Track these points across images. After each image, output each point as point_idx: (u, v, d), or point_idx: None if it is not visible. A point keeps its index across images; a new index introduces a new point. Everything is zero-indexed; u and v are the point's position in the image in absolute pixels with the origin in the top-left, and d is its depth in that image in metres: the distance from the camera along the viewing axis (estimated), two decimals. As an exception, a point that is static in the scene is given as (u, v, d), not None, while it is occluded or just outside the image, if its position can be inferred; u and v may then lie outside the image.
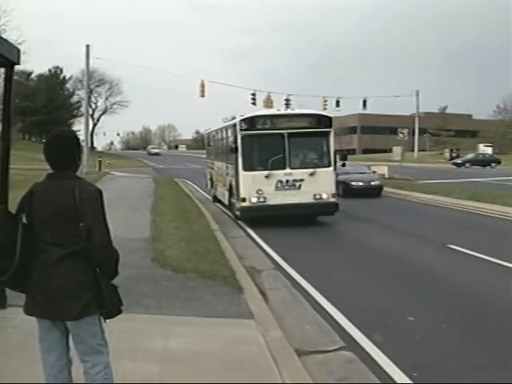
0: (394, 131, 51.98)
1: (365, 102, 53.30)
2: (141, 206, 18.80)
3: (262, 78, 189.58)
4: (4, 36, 8.45)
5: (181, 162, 69.27)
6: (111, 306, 3.75)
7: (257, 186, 15.66)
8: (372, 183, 25.13)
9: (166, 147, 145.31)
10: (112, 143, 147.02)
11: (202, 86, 43.08)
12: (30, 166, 32.03)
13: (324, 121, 16.33)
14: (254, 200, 15.69)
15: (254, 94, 45.37)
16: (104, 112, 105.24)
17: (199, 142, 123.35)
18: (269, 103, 43.34)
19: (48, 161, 3.79)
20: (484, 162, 59.01)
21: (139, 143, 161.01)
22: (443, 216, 19.21)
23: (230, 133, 17.94)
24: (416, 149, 69.78)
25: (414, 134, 65.99)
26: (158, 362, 5.34)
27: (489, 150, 68.14)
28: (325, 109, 42.26)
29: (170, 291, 7.95)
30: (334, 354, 6.13)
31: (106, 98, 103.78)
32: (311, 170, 15.87)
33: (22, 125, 76.26)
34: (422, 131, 76.49)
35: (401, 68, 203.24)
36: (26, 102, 72.99)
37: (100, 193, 3.75)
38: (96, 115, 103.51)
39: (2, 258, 3.64)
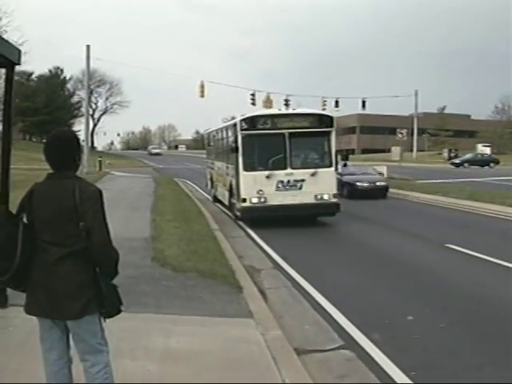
0: (392, 131, 52.14)
1: (364, 103, 53.50)
2: (141, 205, 18.81)
3: (262, 78, 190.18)
4: (5, 37, 8.48)
5: (180, 162, 69.28)
6: (111, 306, 3.76)
7: (257, 187, 15.51)
8: (377, 184, 24.65)
9: (165, 147, 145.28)
10: (112, 143, 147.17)
11: (202, 86, 43.15)
12: (30, 166, 32.05)
13: (325, 120, 16.19)
14: (255, 200, 15.55)
15: (253, 95, 45.49)
16: (104, 112, 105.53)
17: (199, 142, 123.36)
18: (268, 103, 43.42)
19: (48, 161, 3.80)
20: (482, 161, 59.16)
21: (139, 143, 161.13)
22: (442, 216, 19.24)
23: (230, 133, 17.79)
24: (415, 149, 69.92)
25: (412, 134, 66.10)
26: (158, 361, 5.36)
27: (487, 150, 68.41)
28: (324, 109, 42.21)
29: (169, 290, 7.97)
30: (333, 353, 6.15)
31: (107, 99, 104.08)
32: (312, 170, 15.72)
33: (22, 125, 76.29)
34: (421, 131, 76.65)
35: (400, 68, 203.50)
36: (27, 102, 73.13)
37: (100, 193, 3.77)
38: (96, 115, 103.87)
39: (3, 257, 3.66)
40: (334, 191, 16.10)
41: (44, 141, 4.00)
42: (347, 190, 23.67)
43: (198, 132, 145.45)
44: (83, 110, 59.32)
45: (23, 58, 6.21)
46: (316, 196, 15.67)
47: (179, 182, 33.07)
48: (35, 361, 4.28)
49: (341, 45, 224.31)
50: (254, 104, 44.53)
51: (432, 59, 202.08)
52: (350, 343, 6.40)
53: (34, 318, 3.86)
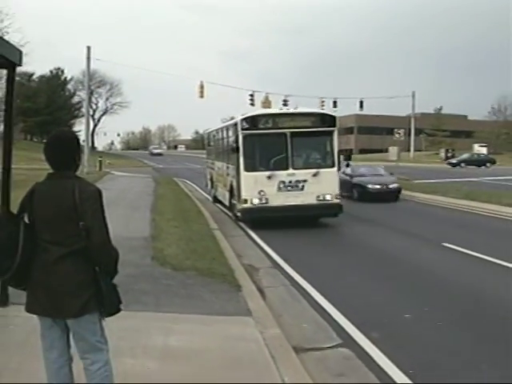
0: (390, 131, 52.23)
1: (362, 103, 53.85)
2: (140, 205, 18.84)
3: (261, 79, 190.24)
4: (6, 38, 8.53)
5: (180, 162, 69.24)
6: (110, 304, 3.78)
7: (258, 187, 15.24)
8: (390, 186, 23.25)
9: (165, 147, 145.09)
10: (112, 143, 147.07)
11: (201, 86, 43.22)
12: (31, 165, 32.06)
13: (328, 120, 15.95)
14: (256, 201, 15.27)
15: (252, 95, 45.57)
16: (104, 112, 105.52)
17: (198, 142, 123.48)
18: (267, 104, 43.44)
19: (48, 161, 3.82)
20: (479, 161, 59.43)
21: (139, 143, 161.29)
22: (440, 215, 19.27)
23: (230, 132, 17.53)
24: (412, 149, 70.11)
25: (410, 135, 66.22)
26: (158, 359, 5.39)
27: (483, 150, 68.79)
28: (322, 109, 42.24)
29: (169, 289, 8.00)
30: (331, 351, 6.19)
31: (107, 99, 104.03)
32: (314, 171, 15.47)
33: (23, 125, 76.58)
34: (418, 131, 76.76)
35: (398, 69, 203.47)
36: (28, 102, 73.40)
37: (99, 192, 3.79)
38: (97, 116, 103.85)
39: (4, 257, 3.69)
40: (337, 192, 15.83)
41: (44, 141, 4.04)
42: (357, 192, 22.86)
43: (197, 132, 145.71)
44: (84, 110, 59.23)
45: (24, 59, 6.26)
46: (318, 197, 15.41)
47: (179, 181, 33.07)
48: (36, 359, 4.30)
49: (340, 45, 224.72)
50: (252, 104, 44.60)
51: (429, 60, 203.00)
52: (349, 342, 6.43)
53: (34, 316, 3.88)
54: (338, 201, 15.77)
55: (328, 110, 43.55)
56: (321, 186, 15.41)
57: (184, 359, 5.45)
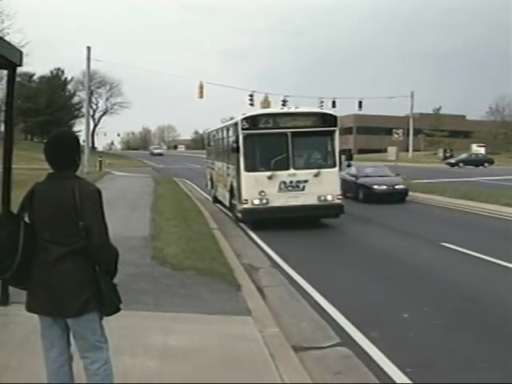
0: (388, 132, 52.15)
1: (360, 103, 54.12)
2: (140, 204, 18.87)
3: (260, 79, 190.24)
4: (7, 39, 8.55)
5: (180, 162, 69.26)
6: (110, 304, 3.79)
7: (259, 188, 15.09)
8: (397, 187, 22.67)
9: (165, 147, 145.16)
10: (112, 143, 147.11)
11: (201, 87, 43.28)
12: (31, 165, 32.08)
13: (329, 119, 15.79)
14: (257, 202, 15.10)
15: (251, 95, 45.65)
16: (105, 113, 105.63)
17: (198, 142, 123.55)
18: (266, 104, 43.51)
19: (48, 161, 3.84)
20: (477, 161, 59.72)
21: (139, 143, 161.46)
22: (438, 215, 19.29)
23: (231, 132, 17.36)
24: (411, 149, 70.31)
25: (408, 135, 66.36)
26: (158, 358, 5.41)
27: (482, 150, 69.26)
28: (321, 109, 42.29)
29: (169, 288, 8.03)
30: (330, 350, 6.22)
31: (107, 99, 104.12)
32: (315, 171, 15.31)
33: (24, 125, 76.87)
34: (417, 132, 76.93)
35: (397, 69, 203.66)
36: (28, 103, 73.74)
37: (99, 192, 3.80)
38: (97, 116, 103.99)
39: (4, 256, 3.70)
40: (338, 192, 15.68)
41: (45, 141, 4.06)
42: (363, 193, 22.39)
43: (197, 132, 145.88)
44: (84, 110, 59.24)
45: (25, 60, 6.29)
46: (319, 197, 15.25)
47: (179, 181, 33.10)
48: (36, 358, 4.31)
49: (340, 45, 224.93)
50: (252, 104, 44.67)
51: (428, 60, 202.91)
52: (347, 341, 6.46)
53: (35, 315, 3.90)
54: (339, 201, 15.58)
55: (327, 110, 43.61)
56: (322, 186, 15.26)
57: (184, 358, 5.47)
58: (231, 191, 17.16)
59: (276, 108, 22.27)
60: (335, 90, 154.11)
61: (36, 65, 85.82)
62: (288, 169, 15.23)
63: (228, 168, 17.84)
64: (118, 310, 3.87)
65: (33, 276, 3.76)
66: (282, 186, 15.15)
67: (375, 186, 22.25)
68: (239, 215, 15.83)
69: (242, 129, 15.27)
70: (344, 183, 22.92)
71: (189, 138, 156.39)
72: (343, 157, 17.44)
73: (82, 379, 3.95)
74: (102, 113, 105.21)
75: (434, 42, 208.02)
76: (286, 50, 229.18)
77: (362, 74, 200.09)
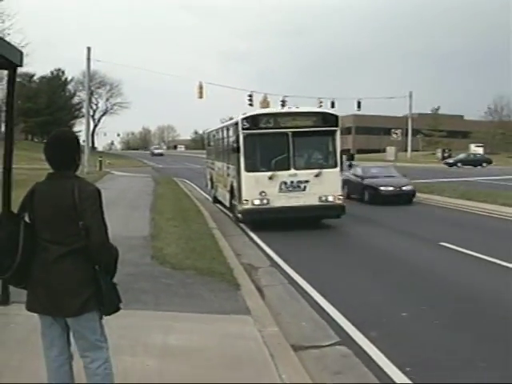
0: (387, 132, 52.31)
1: (359, 103, 54.19)
2: (140, 204, 18.90)
3: (259, 80, 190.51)
4: (7, 39, 8.57)
5: (179, 162, 69.27)
6: (110, 303, 3.81)
7: (260, 188, 14.92)
8: (404, 188, 21.99)
9: (165, 147, 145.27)
10: (112, 143, 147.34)
11: (200, 87, 43.36)
12: (32, 165, 32.11)
13: (330, 119, 15.62)
14: (257, 202, 14.92)
15: (250, 96, 45.72)
16: (105, 113, 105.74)
17: (198, 142, 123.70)
18: (265, 104, 43.53)
19: (48, 161, 3.85)
20: (475, 161, 59.98)
21: (139, 143, 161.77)
22: (436, 214, 19.27)
23: (231, 132, 17.17)
24: (409, 149, 70.50)
25: (407, 135, 66.51)
26: (158, 357, 5.43)
27: (480, 150, 69.59)
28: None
29: (168, 288, 8.05)
30: (329, 349, 6.24)
31: (107, 100, 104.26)
32: (317, 171, 15.13)
33: (24, 125, 77.16)
34: (416, 132, 77.06)
35: (396, 70, 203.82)
36: (29, 103, 74.15)
37: (98, 192, 3.82)
38: (97, 116, 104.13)
39: (5, 256, 3.72)
40: (339, 192, 15.53)
41: (45, 141, 4.08)
42: (369, 194, 21.82)
43: (196, 132, 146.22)
44: (84, 110, 59.35)
45: (25, 60, 6.31)
46: (320, 197, 15.08)
47: (178, 181, 33.11)
48: (37, 357, 4.33)
49: (339, 46, 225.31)
50: (251, 105, 44.70)
51: (426, 60, 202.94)
52: (347, 340, 6.48)
53: (35, 314, 3.92)
54: (340, 202, 15.43)
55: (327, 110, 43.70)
56: (323, 186, 15.10)
57: (183, 357, 5.49)
58: (231, 191, 17.03)
59: (275, 108, 22.07)
60: (334, 90, 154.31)
61: (36, 65, 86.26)
62: (289, 169, 15.08)
63: (228, 168, 17.68)
64: (117, 309, 3.89)
65: (33, 275, 3.78)
66: (283, 186, 15.01)
67: (382, 187, 21.67)
68: (239, 216, 15.68)
69: (243, 128, 15.12)
70: (349, 184, 22.71)
71: (188, 138, 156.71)
72: (344, 157, 17.04)
73: (82, 378, 3.96)
74: (102, 113, 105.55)
75: (433, 43, 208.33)
76: (285, 51, 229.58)
77: (362, 74, 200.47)
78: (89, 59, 39.16)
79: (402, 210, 20.55)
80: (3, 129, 6.42)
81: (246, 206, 15.06)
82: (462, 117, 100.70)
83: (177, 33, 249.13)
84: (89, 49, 39.01)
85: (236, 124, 15.88)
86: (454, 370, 5.75)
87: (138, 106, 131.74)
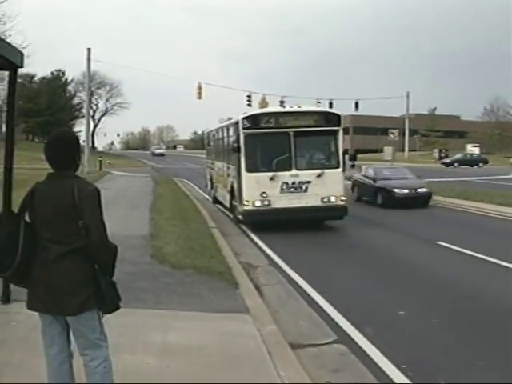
0: (384, 132, 52.44)
1: (357, 104, 54.32)
2: (140, 204, 18.92)
3: (258, 80, 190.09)
4: (8, 40, 8.61)
5: (179, 162, 69.19)
6: (110, 302, 3.84)
7: (261, 189, 14.64)
8: (419, 190, 20.78)
9: (164, 147, 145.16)
10: (112, 143, 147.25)
11: (199, 88, 43.40)
12: (32, 165, 32.12)
13: (332, 119, 15.34)
14: (258, 203, 14.66)
15: (249, 96, 45.77)
16: (104, 113, 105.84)
17: (197, 143, 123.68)
18: (264, 104, 43.50)
19: (48, 161, 3.88)
20: (472, 161, 60.23)
21: (138, 143, 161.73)
22: (433, 214, 19.24)
23: (231, 131, 16.89)
24: (406, 149, 70.56)
25: (404, 135, 66.58)
26: (157, 355, 5.47)
27: (476, 150, 69.88)
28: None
29: (168, 287, 8.09)
30: (326, 347, 6.28)
31: (107, 100, 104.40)
32: (319, 171, 14.86)
33: (25, 126, 77.38)
34: (413, 132, 77.15)
35: (395, 70, 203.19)
36: (29, 103, 74.57)
37: (98, 192, 3.85)
38: (97, 116, 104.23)
39: (5, 255, 3.76)
40: (342, 193, 15.17)
41: (45, 141, 4.12)
42: (382, 197, 20.70)
43: (195, 132, 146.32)
44: (84, 111, 59.49)
45: (26, 61, 6.35)
46: (323, 198, 14.82)
47: (177, 181, 33.12)
48: (37, 355, 4.36)
49: (338, 46, 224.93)
50: (250, 105, 44.74)
51: (425, 61, 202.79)
52: (344, 338, 6.53)
53: (36, 313, 3.95)
54: (343, 203, 15.13)
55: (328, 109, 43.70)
56: (325, 187, 14.84)
57: (183, 355, 5.53)
58: (231, 192, 16.81)
59: (275, 108, 21.89)
60: (332, 90, 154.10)
61: (37, 66, 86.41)
62: (290, 169, 14.82)
63: (228, 168, 17.44)
64: (117, 307, 3.92)
65: (33, 274, 3.81)
66: (284, 187, 14.75)
67: (396, 190, 20.52)
68: (240, 217, 15.46)
69: (243, 128, 14.87)
70: (359, 186, 22.49)
71: (187, 138, 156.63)
72: (347, 157, 16.83)
73: (82, 376, 4.00)
74: (101, 113, 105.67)
75: (430, 43, 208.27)
76: (284, 51, 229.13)
77: (359, 74, 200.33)
78: (89, 60, 39.28)
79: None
80: (4, 129, 6.45)
81: (247, 207, 14.82)
82: (458, 117, 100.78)
83: (176, 33, 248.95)
84: (89, 50, 39.16)
85: (236, 123, 15.62)
86: (450, 368, 5.79)
87: (137, 106, 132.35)
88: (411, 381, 5.38)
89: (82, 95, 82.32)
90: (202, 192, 26.63)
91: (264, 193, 14.71)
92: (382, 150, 49.88)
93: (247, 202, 14.80)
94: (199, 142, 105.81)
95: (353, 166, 20.74)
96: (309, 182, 14.80)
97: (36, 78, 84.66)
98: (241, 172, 15.00)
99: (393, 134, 39.83)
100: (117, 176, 36.74)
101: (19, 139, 59.72)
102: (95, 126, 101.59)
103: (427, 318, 7.46)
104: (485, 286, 9.18)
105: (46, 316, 3.90)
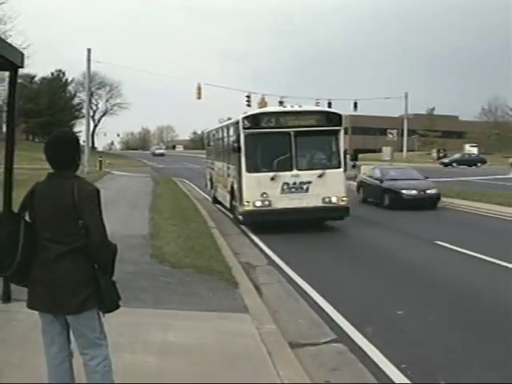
0: (383, 132, 52.55)
1: (356, 104, 54.32)
2: (140, 204, 18.95)
3: (257, 81, 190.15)
4: (9, 41, 8.63)
5: (178, 162, 69.18)
6: (110, 301, 3.85)
7: (261, 189, 14.51)
8: (428, 192, 20.35)
9: (164, 147, 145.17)
10: (112, 143, 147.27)
11: (199, 88, 43.41)
12: (33, 165, 32.15)
13: (333, 118, 15.20)
14: (259, 204, 14.51)
15: (248, 96, 45.80)
16: (104, 113, 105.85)
17: (196, 143, 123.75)
18: (263, 104, 43.50)
19: (49, 161, 3.90)
20: (470, 161, 60.49)
21: (138, 143, 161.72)
22: (431, 213, 19.21)
23: (231, 131, 16.74)
24: (405, 149, 70.62)
25: (402, 135, 66.58)
26: (157, 355, 5.49)
27: (474, 150, 70.07)
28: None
29: (168, 286, 8.11)
30: (325, 346, 6.31)
31: (107, 100, 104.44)
32: (320, 172, 14.73)
33: (25, 126, 77.41)
34: (411, 132, 77.19)
35: (394, 71, 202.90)
36: (30, 104, 74.63)
37: (97, 191, 3.86)
38: (97, 116, 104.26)
39: (5, 255, 3.77)
40: (343, 193, 14.99)
41: (45, 141, 4.14)
42: (389, 198, 20.19)
43: (195, 132, 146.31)
44: (84, 111, 59.45)
45: (26, 62, 6.36)
46: (324, 199, 14.67)
47: (177, 181, 33.13)
48: (37, 354, 4.38)
49: (337, 47, 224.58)
50: (249, 105, 44.75)
51: (423, 61, 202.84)
52: (343, 337, 6.55)
53: (36, 312, 3.96)
54: (344, 203, 14.98)
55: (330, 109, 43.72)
56: (326, 187, 14.70)
57: (182, 355, 5.55)
58: (232, 192, 16.66)
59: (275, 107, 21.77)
60: (332, 90, 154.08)
61: (37, 66, 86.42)
62: (291, 169, 14.68)
63: (228, 168, 17.31)
64: (117, 307, 3.93)
65: (33, 274, 3.83)
66: (285, 187, 14.61)
67: (404, 191, 20.02)
68: (240, 217, 15.31)
69: (244, 128, 14.73)
70: (365, 187, 22.26)
71: (187, 138, 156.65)
72: (348, 157, 16.68)
73: (82, 376, 4.02)
74: (101, 113, 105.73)
75: (428, 44, 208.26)
76: (283, 52, 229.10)
77: (358, 75, 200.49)
78: (89, 61, 39.35)
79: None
80: (5, 129, 6.47)
81: (247, 208, 14.67)
82: (456, 117, 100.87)
83: (176, 34, 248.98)
84: (89, 50, 39.24)
85: (237, 123, 15.47)
86: (448, 367, 5.81)
87: (137, 106, 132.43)
88: (411, 380, 5.39)
89: (82, 95, 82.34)
90: (201, 192, 26.63)
91: (264, 193, 14.58)
92: (380, 150, 49.96)
93: (247, 202, 14.66)
94: (199, 142, 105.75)
95: (354, 166, 20.43)
96: (310, 183, 14.67)
97: (36, 79, 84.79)
98: (241, 172, 14.86)
99: (391, 134, 39.91)
100: (117, 176, 36.76)
101: (19, 139, 59.70)
102: (95, 126, 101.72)
103: (426, 317, 7.48)
104: (484, 286, 9.20)
105: (46, 315, 3.92)
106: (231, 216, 17.23)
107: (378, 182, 21.36)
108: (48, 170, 3.97)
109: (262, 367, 5.34)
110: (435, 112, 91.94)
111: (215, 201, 21.43)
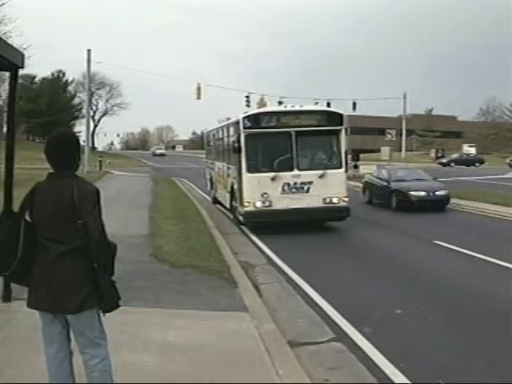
0: (382, 132, 52.60)
1: (354, 104, 54.27)
2: (139, 203, 18.97)
3: (256, 81, 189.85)
4: (10, 41, 8.65)
5: (178, 162, 69.17)
6: (109, 301, 3.87)
7: (262, 189, 14.35)
8: (437, 193, 19.66)
9: (163, 147, 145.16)
10: (112, 143, 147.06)
11: (199, 88, 43.38)
12: (33, 165, 32.16)
13: (335, 118, 15.06)
14: (259, 204, 14.37)
15: (248, 96, 45.79)
16: (104, 114, 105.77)
17: (196, 143, 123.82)
18: (263, 105, 43.53)
19: (49, 161, 3.91)
20: (468, 161, 60.83)
21: (138, 143, 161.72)
22: (428, 213, 19.05)
23: (232, 131, 16.49)
24: (403, 149, 70.52)
25: (401, 135, 66.53)
26: (157, 354, 5.50)
27: (472, 151, 70.45)
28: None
29: (167, 285, 8.13)
30: (324, 345, 6.32)
31: (107, 100, 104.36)
32: (321, 172, 14.56)
33: (26, 126, 77.48)
34: (410, 132, 77.19)
35: (392, 71, 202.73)
36: (30, 104, 74.72)
37: (97, 191, 3.88)
38: (97, 117, 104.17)
39: (5, 254, 3.79)
40: (345, 194, 14.83)
41: (46, 141, 4.16)
42: (397, 200, 19.56)
43: (194, 133, 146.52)
44: (84, 111, 59.64)
45: (26, 62, 6.38)
46: (325, 199, 14.52)
47: (177, 181, 33.13)
48: (38, 353, 4.39)
49: (336, 47, 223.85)
50: (248, 106, 44.74)
51: (422, 61, 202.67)
52: (342, 336, 6.57)
53: (36, 311, 3.98)
54: (345, 204, 14.81)
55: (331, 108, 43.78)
56: (327, 188, 14.54)
57: (182, 353, 5.56)
58: (232, 192, 16.51)
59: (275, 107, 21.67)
60: (332, 91, 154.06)
61: (38, 67, 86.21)
62: (292, 170, 14.50)
63: (229, 168, 17.16)
64: (117, 306, 3.95)
65: (33, 273, 3.84)
66: (286, 187, 14.45)
67: (412, 192, 19.40)
68: (240, 218, 15.15)
69: (244, 128, 14.56)
70: (371, 188, 21.88)
71: (186, 138, 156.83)
72: (349, 157, 16.60)
73: (82, 375, 4.04)
74: (101, 114, 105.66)
75: (427, 44, 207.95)
76: (282, 52, 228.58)
77: (358, 75, 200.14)
78: (89, 61, 39.41)
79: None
80: (5, 129, 6.50)
81: (248, 208, 14.52)
82: (455, 117, 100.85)
83: (175, 34, 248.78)
84: (89, 51, 39.31)
85: (237, 123, 15.27)
86: (447, 367, 5.82)
87: (137, 106, 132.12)
88: (409, 380, 5.40)
89: (82, 96, 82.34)
90: (201, 192, 26.62)
91: (265, 193, 14.42)
92: (379, 150, 50.05)
93: (248, 202, 14.52)
94: (198, 142, 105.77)
95: (355, 166, 20.22)
96: (311, 183, 14.52)
97: (37, 79, 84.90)
98: (241, 172, 14.72)
99: (390, 134, 39.93)
100: (117, 176, 36.79)
101: (20, 139, 59.86)
102: (95, 127, 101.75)
103: (425, 316, 7.50)
104: (484, 286, 9.21)
105: (46, 314, 3.93)
106: (231, 216, 17.12)
107: (384, 182, 20.85)
108: (48, 170, 3.98)
109: (262, 366, 5.35)
110: (434, 112, 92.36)
111: (215, 201, 21.33)
